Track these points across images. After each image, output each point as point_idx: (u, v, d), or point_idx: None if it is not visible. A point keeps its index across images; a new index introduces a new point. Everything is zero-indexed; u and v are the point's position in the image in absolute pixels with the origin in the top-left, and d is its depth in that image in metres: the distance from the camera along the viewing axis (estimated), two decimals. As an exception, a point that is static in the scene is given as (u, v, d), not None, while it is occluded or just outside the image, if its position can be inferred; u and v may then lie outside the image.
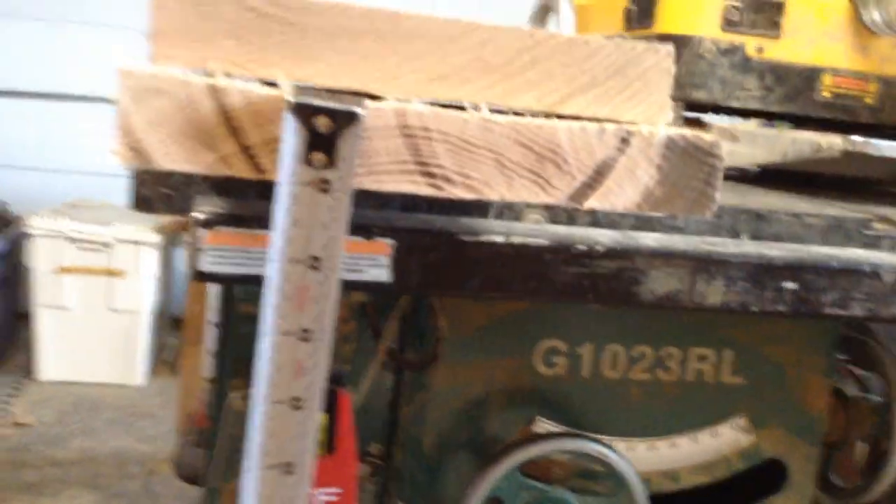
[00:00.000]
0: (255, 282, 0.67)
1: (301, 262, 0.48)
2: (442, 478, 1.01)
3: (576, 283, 0.73)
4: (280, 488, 0.54)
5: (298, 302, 0.49)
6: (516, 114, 0.50)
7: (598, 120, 0.51)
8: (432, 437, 1.00)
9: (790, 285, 0.78)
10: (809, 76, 1.20)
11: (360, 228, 0.68)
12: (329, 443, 0.82)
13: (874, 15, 1.18)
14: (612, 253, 0.73)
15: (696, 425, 1.07)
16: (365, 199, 0.76)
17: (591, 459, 0.99)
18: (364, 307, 0.94)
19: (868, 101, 1.24)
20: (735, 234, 0.87)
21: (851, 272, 0.79)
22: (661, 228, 0.84)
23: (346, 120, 0.44)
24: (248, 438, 0.53)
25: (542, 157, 0.50)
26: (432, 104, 0.48)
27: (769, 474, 1.10)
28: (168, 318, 3.40)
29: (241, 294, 0.91)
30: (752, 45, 1.17)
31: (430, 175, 0.49)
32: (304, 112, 0.44)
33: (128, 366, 3.03)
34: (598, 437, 1.01)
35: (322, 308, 0.50)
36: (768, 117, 1.23)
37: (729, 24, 1.16)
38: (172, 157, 0.47)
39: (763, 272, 0.77)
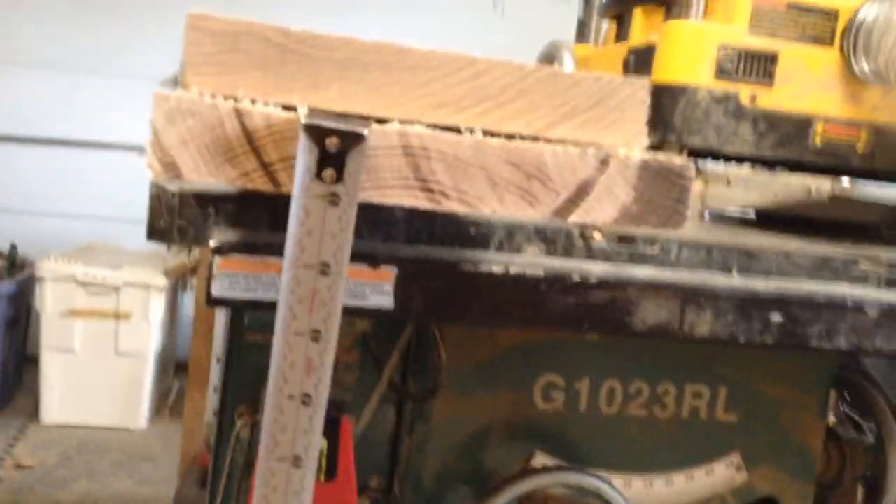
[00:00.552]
0: (264, 307, 0.71)
1: (313, 268, 0.52)
2: (441, 510, 1.02)
3: (571, 313, 0.76)
4: (289, 480, 0.57)
5: (310, 304, 0.53)
6: (508, 137, 0.54)
7: (580, 144, 0.55)
8: (432, 470, 1.02)
9: (777, 317, 0.80)
10: (802, 124, 1.24)
11: (366, 257, 0.72)
12: (329, 469, 0.84)
13: (864, 65, 1.23)
14: (605, 283, 0.76)
15: (692, 462, 1.08)
16: (372, 230, 0.80)
17: (589, 494, 1.00)
18: (367, 337, 0.97)
19: (859, 148, 1.28)
20: (726, 270, 0.90)
21: (836, 306, 0.82)
22: (653, 263, 0.87)
23: (352, 140, 0.49)
24: (262, 432, 0.56)
25: (529, 175, 0.54)
26: (432, 127, 0.53)
27: (764, 513, 1.11)
28: (172, 363, 3.42)
29: (248, 323, 0.94)
30: (745, 93, 1.22)
31: (429, 190, 0.54)
32: (316, 132, 0.48)
33: (132, 409, 3.05)
34: (596, 472, 1.02)
35: (330, 311, 0.54)
36: (763, 163, 1.27)
37: (723, 73, 1.21)
38: (200, 172, 0.51)
39: (750, 304, 0.80)
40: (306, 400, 0.55)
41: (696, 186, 1.25)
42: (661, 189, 0.57)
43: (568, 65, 1.51)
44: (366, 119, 0.51)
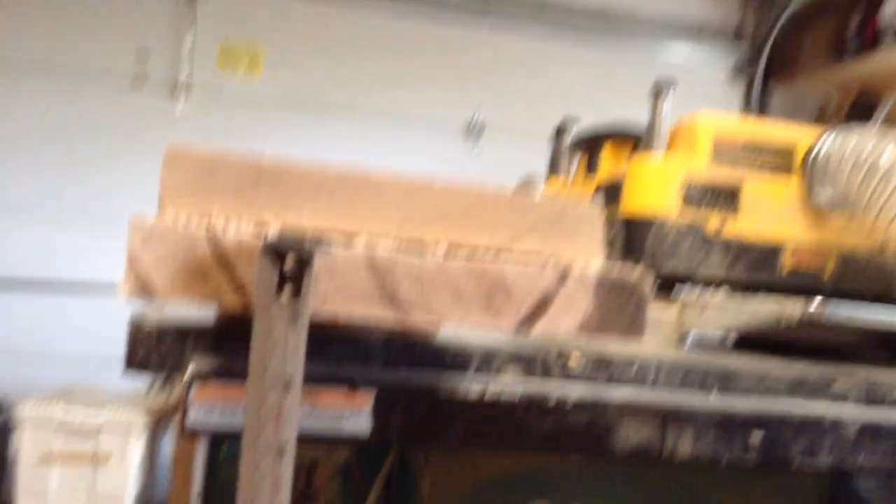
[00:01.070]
0: (241, 434, 0.70)
1: (276, 387, 0.53)
2: None
3: (550, 435, 0.76)
4: None
5: (276, 423, 0.53)
6: (474, 247, 0.57)
7: (543, 255, 0.58)
8: None
9: (757, 437, 0.81)
10: (769, 251, 1.28)
11: (344, 380, 0.72)
12: None
13: (824, 194, 1.29)
14: (584, 405, 0.77)
15: (685, 593, 1.04)
16: (350, 355, 0.81)
17: None
18: (348, 466, 0.95)
19: (828, 271, 1.31)
20: (704, 390, 0.91)
21: (815, 423, 0.82)
22: (631, 384, 0.88)
23: (308, 259, 0.51)
24: None
25: (491, 290, 0.56)
26: (399, 242, 0.55)
27: None
28: (151, 508, 3.29)
29: (225, 455, 0.93)
30: (713, 222, 1.27)
31: (396, 304, 0.55)
32: (275, 251, 0.50)
33: (106, 559, 2.91)
34: None
35: (291, 428, 0.54)
36: (736, 287, 1.30)
37: (689, 204, 1.26)
38: (174, 290, 0.52)
39: (730, 423, 0.80)
40: None
41: (673, 312, 1.28)
42: (618, 301, 0.59)
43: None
44: (332, 237, 0.54)
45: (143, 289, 0.52)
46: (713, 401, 0.84)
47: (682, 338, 1.27)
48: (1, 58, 3.50)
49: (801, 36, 3.84)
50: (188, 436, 0.73)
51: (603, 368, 0.88)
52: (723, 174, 1.27)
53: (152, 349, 0.79)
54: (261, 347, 0.52)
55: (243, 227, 0.54)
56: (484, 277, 0.56)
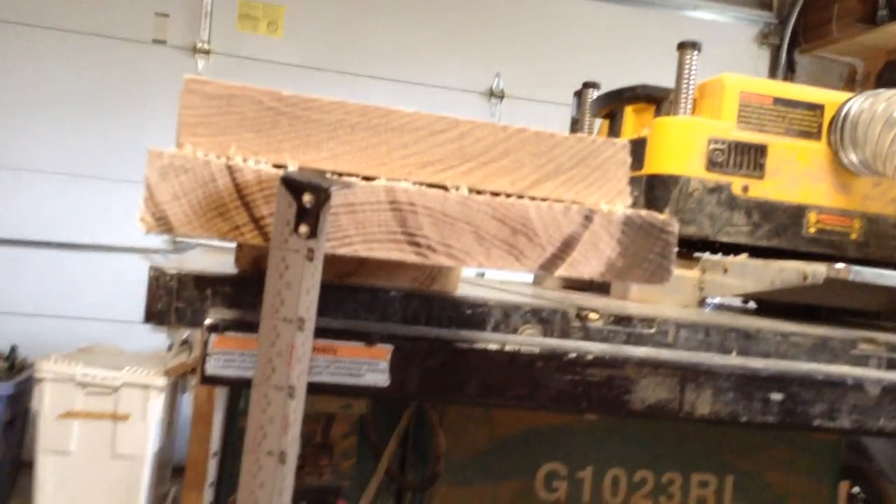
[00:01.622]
0: (259, 386, 0.70)
1: (292, 322, 0.52)
2: None
3: (568, 391, 0.76)
4: None
5: (288, 359, 0.53)
6: (493, 195, 0.55)
7: (564, 202, 0.57)
8: (432, 564, 0.99)
9: (777, 396, 0.80)
10: (795, 213, 1.27)
11: (362, 335, 0.72)
12: (325, 556, 0.81)
13: (851, 157, 1.26)
14: (602, 361, 0.76)
15: (700, 554, 1.05)
16: (368, 312, 0.81)
17: (594, 588, 0.97)
18: (364, 422, 0.96)
19: (853, 236, 1.30)
20: (725, 352, 0.90)
21: (837, 384, 0.81)
22: (650, 343, 0.87)
23: (326, 197, 0.50)
24: (240, 490, 0.55)
25: (515, 230, 0.55)
26: (419, 185, 0.54)
27: None
28: (170, 466, 3.34)
29: (244, 408, 0.93)
30: (737, 184, 1.25)
31: (416, 244, 0.54)
32: (293, 187, 0.49)
33: (127, 515, 2.96)
34: (601, 565, 0.99)
35: (303, 368, 0.54)
36: (758, 252, 1.29)
37: (714, 165, 1.24)
38: (192, 226, 0.52)
39: (750, 383, 0.79)
40: (283, 458, 0.54)
41: (694, 275, 1.26)
42: (645, 243, 0.58)
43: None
44: (353, 178, 0.53)
45: (161, 223, 0.51)
46: (733, 359, 0.83)
47: (703, 300, 1.26)
48: (22, 24, 3.50)
49: (829, 3, 3.77)
50: (206, 385, 0.73)
51: (622, 327, 0.87)
52: (749, 136, 1.24)
53: (171, 301, 0.79)
54: (275, 284, 0.52)
55: (262, 165, 0.53)
56: (507, 217, 0.54)
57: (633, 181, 1.21)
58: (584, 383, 0.75)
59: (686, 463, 1.06)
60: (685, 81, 1.28)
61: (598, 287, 1.29)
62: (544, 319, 0.84)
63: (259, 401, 0.53)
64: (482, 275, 1.87)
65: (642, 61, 3.65)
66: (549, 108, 3.71)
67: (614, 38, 3.93)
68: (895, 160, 1.17)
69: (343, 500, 0.83)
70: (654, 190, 1.24)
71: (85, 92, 3.59)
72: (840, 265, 1.03)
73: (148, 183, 0.51)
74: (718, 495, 1.06)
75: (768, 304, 1.39)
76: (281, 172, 0.50)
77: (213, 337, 0.70)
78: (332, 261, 0.64)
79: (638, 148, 1.28)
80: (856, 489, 1.31)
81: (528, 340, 0.77)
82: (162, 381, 2.91)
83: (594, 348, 0.78)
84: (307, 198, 0.49)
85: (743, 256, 1.27)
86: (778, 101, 1.28)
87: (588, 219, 0.56)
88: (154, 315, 0.79)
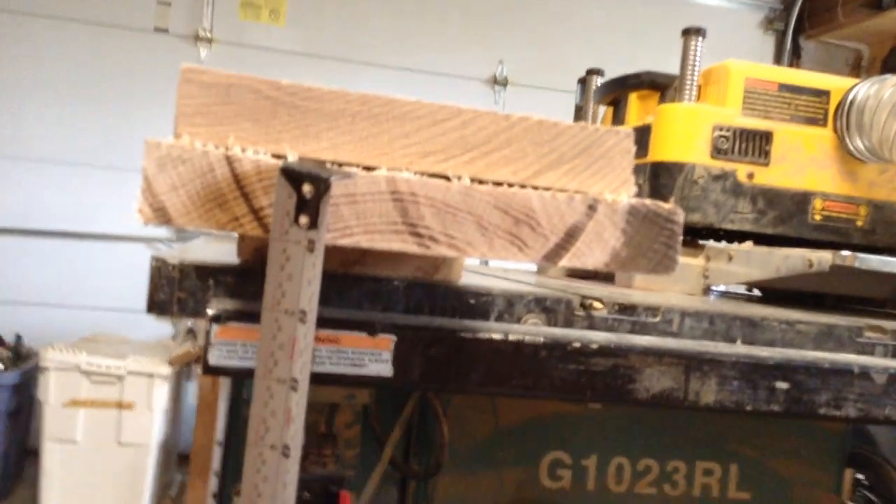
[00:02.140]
0: (261, 376, 0.70)
1: (293, 315, 0.52)
2: None
3: (572, 380, 0.75)
4: None
5: (290, 352, 0.52)
6: (495, 184, 0.55)
7: (567, 192, 0.56)
8: (436, 552, 0.99)
9: (782, 385, 0.79)
10: (800, 201, 1.26)
11: (365, 325, 0.71)
12: (329, 546, 0.81)
13: (858, 143, 1.25)
14: (607, 350, 0.76)
15: (705, 542, 1.05)
16: (371, 302, 0.80)
17: (598, 576, 0.97)
18: (368, 411, 0.95)
19: (859, 223, 1.29)
20: (730, 340, 0.89)
21: (843, 373, 0.81)
22: (655, 333, 0.87)
23: (325, 186, 0.49)
24: (244, 483, 0.54)
25: (518, 220, 0.54)
26: (420, 174, 0.53)
27: None
28: (175, 454, 3.36)
29: (248, 397, 0.93)
30: (742, 171, 1.24)
31: (418, 235, 0.54)
32: (293, 177, 0.49)
33: (133, 502, 2.97)
34: (605, 553, 0.99)
35: (305, 360, 0.53)
36: (763, 239, 1.28)
37: (719, 152, 1.24)
38: (190, 217, 0.51)
39: (755, 371, 0.79)
40: (286, 452, 0.53)
41: (698, 262, 1.26)
42: (650, 233, 0.57)
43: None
44: (353, 168, 0.52)
45: (159, 214, 0.51)
46: (738, 348, 0.83)
47: (707, 287, 1.25)
48: (25, 12, 3.49)
49: (835, -13, 3.74)
50: (209, 376, 0.73)
51: (626, 316, 0.87)
52: (754, 122, 1.24)
53: (173, 291, 0.78)
54: (276, 276, 0.51)
55: (261, 155, 0.52)
56: (510, 207, 0.54)
57: (638, 169, 1.20)
58: (588, 373, 0.75)
59: (690, 451, 1.06)
60: (690, 68, 1.27)
61: (603, 275, 1.28)
62: (548, 308, 0.84)
63: (261, 394, 0.53)
64: (486, 262, 1.86)
65: (647, 48, 3.63)
66: (553, 96, 3.69)
67: (618, 25, 3.91)
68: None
69: (346, 491, 0.83)
70: (658, 177, 1.23)
71: (87, 81, 3.58)
72: (846, 252, 1.02)
73: (145, 174, 0.50)
74: (723, 483, 1.06)
75: (773, 292, 1.38)
76: (280, 163, 0.50)
77: (216, 327, 0.70)
78: (335, 250, 0.63)
79: (642, 135, 1.27)
80: (859, 475, 1.31)
81: (532, 330, 0.77)
82: (166, 370, 2.92)
83: (598, 337, 0.77)
84: (307, 188, 0.49)
85: (748, 244, 1.26)
86: (783, 87, 1.27)
87: (592, 208, 0.55)
88: (156, 305, 0.79)
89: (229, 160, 0.51)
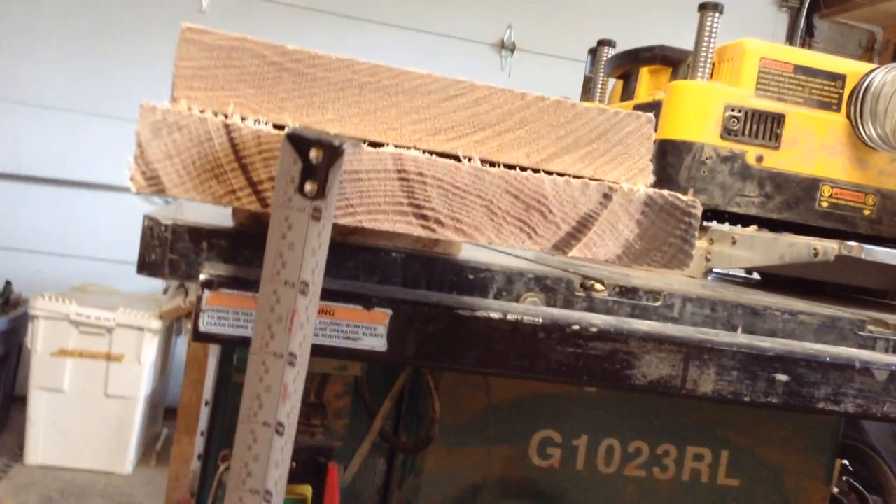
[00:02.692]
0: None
1: (294, 286, 0.50)
2: (429, 568, 0.98)
3: (569, 363, 0.74)
4: None
5: (289, 324, 0.50)
6: (507, 167, 0.52)
7: (581, 178, 0.53)
8: (421, 525, 0.98)
9: (782, 377, 0.78)
10: (808, 186, 1.24)
11: (361, 298, 0.69)
12: (314, 517, 0.80)
13: (870, 131, 1.23)
14: (606, 334, 0.74)
15: (691, 527, 1.04)
16: (367, 273, 0.78)
17: (583, 557, 0.96)
18: (359, 383, 0.94)
19: (866, 212, 1.27)
20: (730, 328, 0.88)
21: (844, 367, 0.79)
22: (656, 318, 0.85)
23: (335, 153, 0.46)
24: (234, 460, 0.53)
25: (529, 206, 0.52)
26: (428, 153, 0.51)
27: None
28: (162, 408, 3.36)
29: (237, 363, 0.92)
30: (752, 153, 1.22)
31: (424, 217, 0.51)
32: (300, 143, 0.46)
33: (118, 453, 2.98)
34: (591, 533, 0.99)
35: (306, 334, 0.51)
36: (767, 224, 1.26)
37: (729, 133, 1.21)
38: (185, 187, 0.49)
39: (755, 363, 0.77)
40: (280, 430, 0.51)
41: (701, 245, 1.24)
42: (666, 226, 0.55)
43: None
44: (360, 141, 0.50)
45: (152, 183, 0.48)
46: (738, 338, 0.81)
47: (708, 270, 1.24)
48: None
49: (851, -33, 3.67)
50: (199, 342, 0.71)
51: (627, 299, 0.85)
52: (767, 104, 1.21)
53: (165, 252, 0.76)
54: (277, 245, 0.49)
55: (262, 125, 0.49)
56: (522, 192, 0.51)
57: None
58: (585, 356, 0.73)
59: (682, 436, 1.05)
60: (704, 44, 1.23)
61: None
62: (548, 288, 0.82)
63: (256, 368, 0.51)
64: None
65: (661, 21, 3.57)
66: (561, 65, 3.64)
67: (631, -4, 3.84)
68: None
69: (334, 463, 0.82)
70: (666, 156, 1.20)
71: (89, 28, 3.51)
72: (852, 243, 1.00)
73: (139, 140, 0.48)
74: (713, 469, 1.05)
75: (773, 277, 1.36)
76: (282, 133, 0.47)
77: (207, 293, 0.68)
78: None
79: (652, 112, 1.24)
80: (845, 461, 1.31)
81: (531, 310, 0.75)
82: (157, 324, 2.91)
83: (598, 321, 0.75)
84: (314, 154, 0.46)
85: (752, 228, 1.24)
86: (798, 69, 1.24)
87: (607, 197, 0.53)
88: (147, 266, 0.77)
89: (228, 129, 0.48)
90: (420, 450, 0.95)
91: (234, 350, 0.91)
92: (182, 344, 3.26)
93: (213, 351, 1.33)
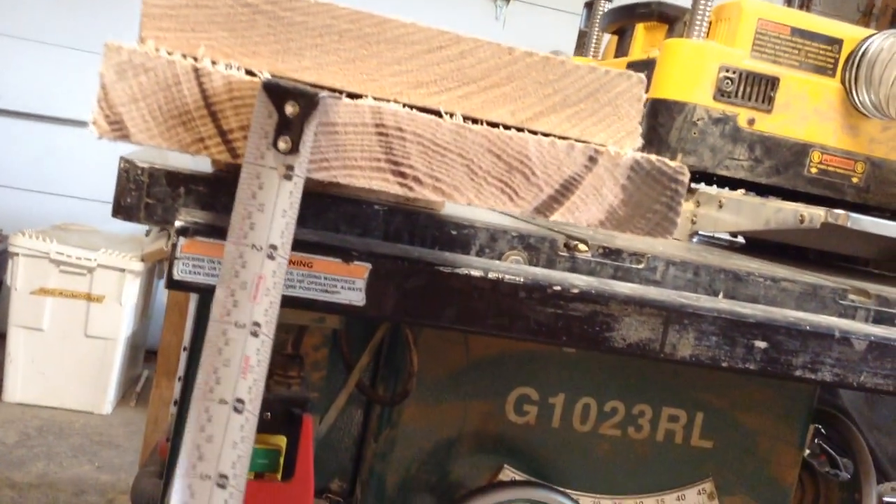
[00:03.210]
0: (228, 294, 0.67)
1: (261, 250, 0.48)
2: (402, 519, 0.99)
3: (549, 324, 0.73)
4: (212, 502, 0.51)
5: (254, 292, 0.49)
6: (490, 125, 0.50)
7: (567, 139, 0.52)
8: (397, 477, 0.98)
9: (761, 344, 0.78)
10: (798, 152, 1.22)
11: (340, 251, 0.68)
12: (287, 468, 0.80)
13: (864, 97, 1.21)
14: (587, 296, 0.73)
15: (663, 486, 1.05)
16: (348, 225, 0.77)
17: (555, 513, 0.97)
18: (337, 335, 0.93)
19: (854, 180, 1.26)
20: (712, 293, 0.87)
21: (823, 336, 0.79)
22: (638, 280, 0.84)
23: (310, 106, 0.44)
24: (183, 441, 0.50)
25: (511, 167, 0.50)
26: (409, 107, 0.49)
27: (734, 544, 1.08)
28: (143, 350, 3.36)
29: (215, 311, 0.91)
30: (744, 116, 1.20)
31: (402, 175, 0.50)
32: (276, 93, 0.44)
33: (98, 393, 2.99)
34: (565, 490, 0.99)
35: (272, 300, 0.49)
36: (755, 188, 1.25)
37: (722, 95, 1.19)
38: (150, 134, 0.47)
39: (734, 328, 0.77)
40: (239, 406, 0.49)
41: (688, 207, 1.23)
42: (651, 192, 0.53)
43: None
44: (337, 93, 0.47)
45: (116, 128, 0.46)
46: (719, 303, 0.81)
47: (693, 232, 1.23)
48: None
49: (855, -73, 3.61)
50: (173, 290, 0.69)
51: (610, 260, 0.84)
52: (762, 66, 1.19)
53: (141, 196, 0.74)
54: (246, 205, 0.47)
55: (234, 70, 0.47)
56: (504, 152, 0.49)
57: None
58: (565, 317, 0.73)
59: (658, 397, 1.05)
60: (702, 2, 1.21)
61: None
62: (531, 246, 0.81)
63: (215, 339, 0.49)
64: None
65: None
66: (557, 17, 3.58)
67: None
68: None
69: (308, 415, 0.82)
70: (657, 116, 1.19)
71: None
72: (839, 211, 0.99)
73: (102, 81, 0.45)
74: (687, 430, 1.06)
75: (757, 242, 1.36)
76: (255, 80, 0.45)
77: (182, 241, 0.67)
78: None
79: (645, 70, 1.22)
80: (818, 425, 1.32)
81: (513, 269, 0.74)
82: (138, 266, 2.89)
83: (579, 282, 0.75)
84: (290, 108, 0.44)
85: (740, 192, 1.23)
86: (795, 31, 1.22)
87: (592, 160, 0.51)
88: (122, 210, 0.75)
89: (198, 73, 0.46)
90: (397, 403, 0.95)
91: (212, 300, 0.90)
92: (163, 287, 3.25)
93: (194, 296, 1.32)
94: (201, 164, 0.79)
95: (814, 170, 1.24)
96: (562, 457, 1.02)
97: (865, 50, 1.21)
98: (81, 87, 3.46)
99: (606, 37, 1.55)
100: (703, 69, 1.18)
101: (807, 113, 1.22)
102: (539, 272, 0.76)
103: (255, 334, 0.49)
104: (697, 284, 0.87)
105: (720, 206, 1.17)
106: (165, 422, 2.19)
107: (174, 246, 0.68)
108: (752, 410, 1.07)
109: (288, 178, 0.46)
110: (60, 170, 3.52)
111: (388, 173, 0.49)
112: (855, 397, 1.54)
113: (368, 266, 0.68)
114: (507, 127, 0.51)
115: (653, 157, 0.54)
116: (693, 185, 1.23)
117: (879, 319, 0.92)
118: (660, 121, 1.18)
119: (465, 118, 0.50)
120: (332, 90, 0.49)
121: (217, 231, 0.67)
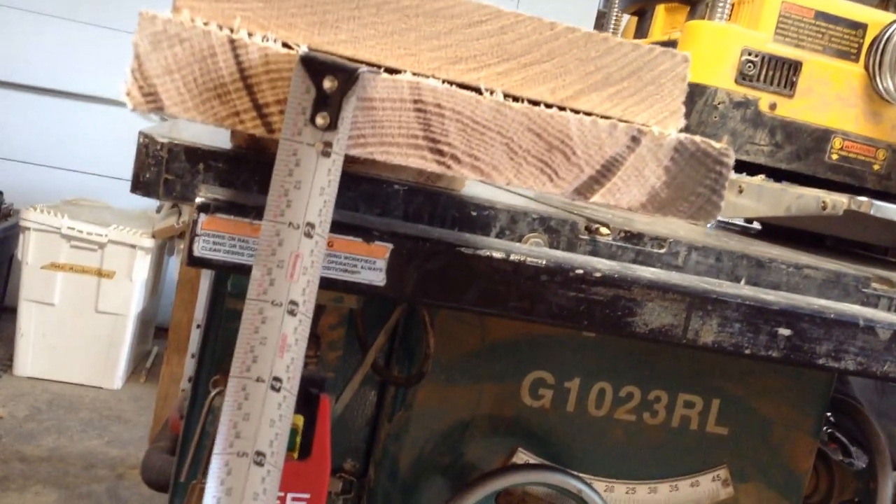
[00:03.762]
0: (247, 272, 0.66)
1: (298, 228, 0.47)
2: (416, 500, 0.98)
3: (570, 307, 0.72)
4: (249, 479, 0.51)
5: (291, 270, 0.48)
6: (531, 102, 0.49)
7: (609, 118, 0.51)
8: (411, 458, 0.98)
9: (785, 332, 0.77)
10: (820, 137, 1.21)
11: (360, 230, 0.67)
12: (303, 447, 0.80)
13: (888, 83, 1.19)
14: (609, 280, 0.72)
15: (678, 472, 1.05)
16: (368, 205, 0.76)
17: (569, 496, 0.97)
18: (354, 315, 0.93)
19: (875, 167, 1.24)
20: (734, 279, 0.86)
21: (847, 325, 0.78)
22: (660, 265, 0.83)
23: (350, 81, 0.44)
24: (220, 421, 0.50)
25: (551, 146, 0.49)
26: (448, 83, 0.48)
27: (747, 531, 1.08)
28: (153, 326, 3.37)
29: (231, 289, 0.90)
30: (765, 100, 1.18)
31: (440, 152, 0.49)
32: (315, 68, 0.43)
33: (107, 369, 3.00)
34: (579, 474, 0.99)
35: (311, 279, 0.49)
36: (775, 174, 1.24)
37: (744, 78, 1.17)
38: (185, 106, 0.46)
39: (758, 316, 0.76)
40: (276, 385, 0.49)
41: (706, 191, 1.22)
42: (695, 174, 0.52)
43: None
44: (375, 67, 0.46)
45: (151, 100, 0.45)
46: (743, 290, 0.80)
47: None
48: None
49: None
50: (193, 267, 0.69)
51: (632, 244, 0.83)
52: (785, 50, 1.17)
53: (160, 172, 0.73)
54: (282, 182, 0.46)
55: (270, 42, 0.46)
56: (545, 131, 0.48)
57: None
58: (587, 301, 0.72)
59: (674, 383, 1.04)
60: (725, -17, 1.19)
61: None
62: (552, 229, 0.80)
63: (252, 318, 0.49)
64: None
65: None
66: (574, 1, 3.54)
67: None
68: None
69: (326, 394, 0.81)
70: (677, 99, 1.17)
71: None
72: (862, 198, 0.98)
73: (136, 51, 0.44)
74: (703, 416, 1.06)
75: (773, 228, 1.35)
76: (292, 53, 0.44)
77: (203, 217, 0.66)
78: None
79: (666, 52, 1.20)
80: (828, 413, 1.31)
81: (535, 251, 0.73)
82: (149, 242, 2.89)
83: (602, 266, 0.74)
84: (329, 83, 0.43)
85: (760, 177, 1.22)
86: (819, 15, 1.20)
87: (635, 140, 0.50)
88: (141, 185, 0.74)
89: (234, 45, 0.45)
90: (412, 384, 0.95)
91: (229, 277, 0.89)
92: (174, 263, 3.25)
93: (206, 273, 1.31)
94: (219, 139, 0.78)
95: (835, 156, 1.23)
96: (576, 441, 1.02)
97: (890, 35, 1.19)
98: (93, 63, 3.45)
99: (626, 18, 1.53)
100: (725, 52, 1.16)
101: (829, 98, 1.20)
102: (561, 255, 0.75)
103: (292, 313, 0.48)
104: (720, 270, 0.86)
105: (740, 192, 1.16)
106: (175, 398, 2.20)
107: (194, 223, 0.67)
108: (769, 398, 1.06)
109: (326, 154, 0.45)
110: (72, 145, 3.52)
111: (426, 150, 0.48)
112: (864, 385, 1.53)
113: (390, 246, 0.67)
114: (547, 105, 0.50)
115: (697, 138, 0.53)
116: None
117: (903, 308, 0.91)
118: (681, 104, 1.16)
119: (505, 96, 0.49)
120: (370, 64, 0.48)
121: (237, 208, 0.66)
